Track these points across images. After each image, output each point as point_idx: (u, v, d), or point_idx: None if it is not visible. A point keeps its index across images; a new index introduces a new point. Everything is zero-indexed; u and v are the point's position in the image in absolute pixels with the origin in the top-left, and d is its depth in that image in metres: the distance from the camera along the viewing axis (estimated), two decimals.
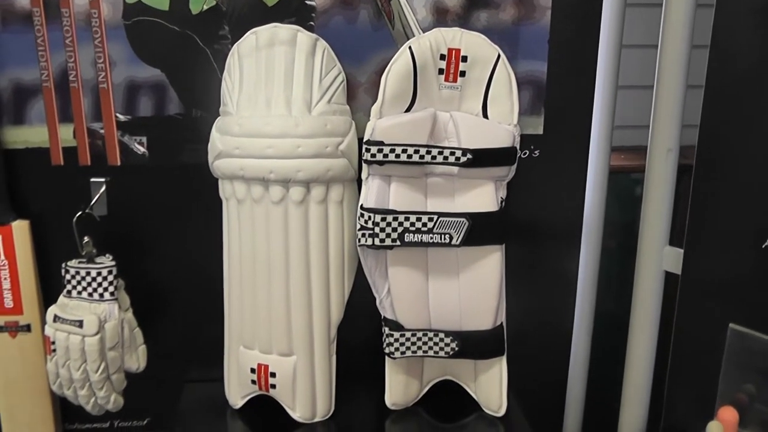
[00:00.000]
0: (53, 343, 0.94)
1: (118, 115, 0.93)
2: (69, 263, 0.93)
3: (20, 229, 0.96)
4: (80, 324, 0.93)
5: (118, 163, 0.95)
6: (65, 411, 1.05)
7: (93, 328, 0.93)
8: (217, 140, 0.88)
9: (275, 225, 0.90)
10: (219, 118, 0.90)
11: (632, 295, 1.01)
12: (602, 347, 1.10)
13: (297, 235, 0.91)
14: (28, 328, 1.00)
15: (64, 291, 0.95)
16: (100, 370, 0.95)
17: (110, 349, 0.95)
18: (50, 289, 0.99)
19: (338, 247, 0.93)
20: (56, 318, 0.94)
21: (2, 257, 0.96)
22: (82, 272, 0.95)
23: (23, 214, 0.95)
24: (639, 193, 1.03)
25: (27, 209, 0.95)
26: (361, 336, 0.96)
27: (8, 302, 0.98)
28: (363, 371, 0.97)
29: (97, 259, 0.95)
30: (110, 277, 0.95)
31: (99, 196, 0.95)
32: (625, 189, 1.09)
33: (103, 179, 0.95)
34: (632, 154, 1.21)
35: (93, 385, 0.95)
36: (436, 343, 0.93)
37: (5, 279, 0.98)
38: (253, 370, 0.96)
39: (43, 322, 0.96)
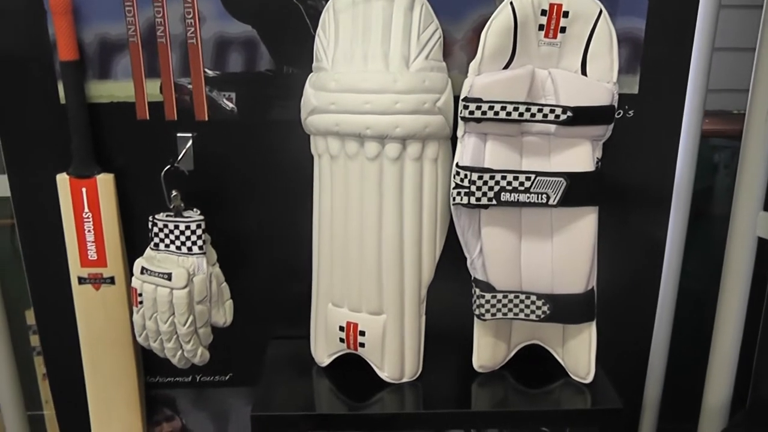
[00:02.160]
0: (140, 295, 0.95)
1: (206, 70, 0.93)
2: (157, 216, 0.94)
3: (105, 182, 0.97)
4: (169, 277, 0.93)
5: (206, 119, 0.95)
6: (147, 364, 1.07)
7: (182, 281, 0.94)
8: (311, 96, 0.87)
9: (369, 182, 0.89)
10: (312, 74, 0.90)
11: (723, 261, 1.00)
12: (685, 318, 1.09)
13: (391, 192, 0.90)
14: (111, 280, 1.01)
15: (151, 244, 0.96)
16: (188, 323, 0.95)
17: (198, 302, 0.95)
18: (133, 243, 1.00)
19: (431, 206, 0.92)
20: (144, 270, 0.94)
21: (86, 210, 0.97)
22: (170, 225, 0.95)
23: (108, 167, 0.96)
24: (716, 160, 1.02)
25: (111, 163, 0.96)
26: (450, 297, 0.96)
27: (92, 254, 0.99)
28: (450, 332, 0.97)
29: (185, 213, 0.95)
30: (198, 231, 0.95)
31: (186, 151, 0.95)
32: (701, 155, 1.03)
33: (189, 134, 0.95)
34: (713, 119, 1.18)
35: (180, 338, 0.96)
36: (527, 306, 0.93)
37: (89, 231, 0.99)
38: (341, 328, 0.96)
39: (127, 275, 0.99)
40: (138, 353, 1.05)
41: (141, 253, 0.95)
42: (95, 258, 1.00)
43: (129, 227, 1.00)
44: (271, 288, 1.04)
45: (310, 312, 1.00)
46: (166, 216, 0.94)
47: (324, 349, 1.00)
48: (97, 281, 1.00)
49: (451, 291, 0.95)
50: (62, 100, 0.92)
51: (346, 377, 0.97)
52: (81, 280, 1.00)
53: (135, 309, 0.95)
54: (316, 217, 0.94)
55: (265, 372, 0.99)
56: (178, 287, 0.93)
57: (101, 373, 1.03)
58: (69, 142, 0.93)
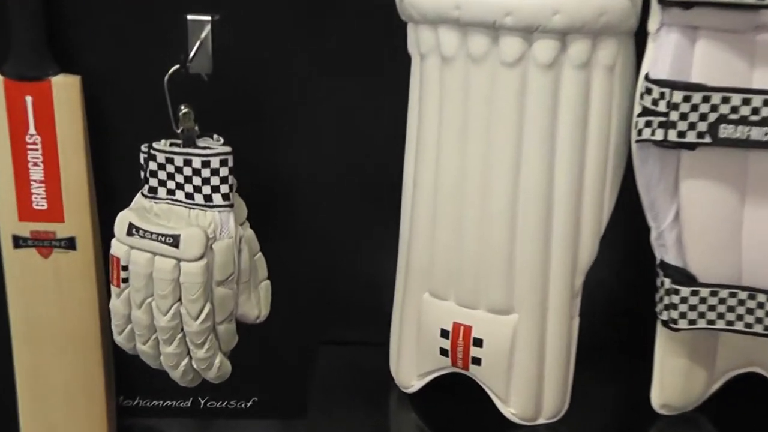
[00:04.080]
0: (125, 268, 0.95)
1: None
2: (156, 145, 0.95)
3: (65, 88, 0.99)
4: (174, 241, 0.93)
5: None
6: (123, 379, 1.10)
7: (196, 249, 0.94)
8: None
9: (504, 100, 0.89)
10: None
11: None
12: None
13: (538, 117, 0.90)
14: (70, 243, 1.04)
15: (145, 188, 0.97)
16: (202, 316, 0.95)
17: (219, 283, 0.96)
18: (111, 187, 1.03)
19: (601, 142, 0.92)
20: (133, 229, 0.95)
21: (32, 131, 0.99)
22: (178, 161, 0.95)
23: (71, 66, 0.98)
24: None
25: (77, 60, 0.99)
26: (606, 290, 0.99)
27: (39, 202, 1.02)
28: (606, 345, 1.01)
29: (201, 142, 0.96)
30: (223, 171, 0.95)
31: (201, 44, 0.96)
32: None
33: (207, 17, 0.97)
34: None
35: (189, 338, 0.96)
36: (751, 310, 0.91)
37: (35, 165, 1.01)
38: (444, 333, 0.97)
39: (97, 237, 1.02)
40: (108, 361, 1.07)
41: (121, 205, 0.96)
42: (44, 207, 1.02)
43: (104, 162, 1.02)
44: (325, 266, 1.08)
45: (388, 305, 1.02)
46: (170, 145, 0.95)
47: (412, 366, 1.02)
48: (46, 243, 1.03)
49: (609, 279, 0.98)
50: None
51: (446, 412, 0.99)
52: (18, 242, 1.03)
53: (114, 290, 0.96)
54: (409, 156, 0.96)
55: (313, 398, 1.01)
56: (189, 258, 0.93)
57: (46, 390, 1.06)
58: (5, 25, 0.94)
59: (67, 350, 1.08)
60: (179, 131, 0.95)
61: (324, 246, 1.09)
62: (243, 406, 1.14)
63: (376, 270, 1.06)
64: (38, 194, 1.02)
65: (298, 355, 1.11)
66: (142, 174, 0.97)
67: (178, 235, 0.93)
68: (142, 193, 0.98)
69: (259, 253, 1.03)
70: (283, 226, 1.08)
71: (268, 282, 1.04)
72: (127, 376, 1.11)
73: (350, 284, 1.10)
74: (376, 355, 1.05)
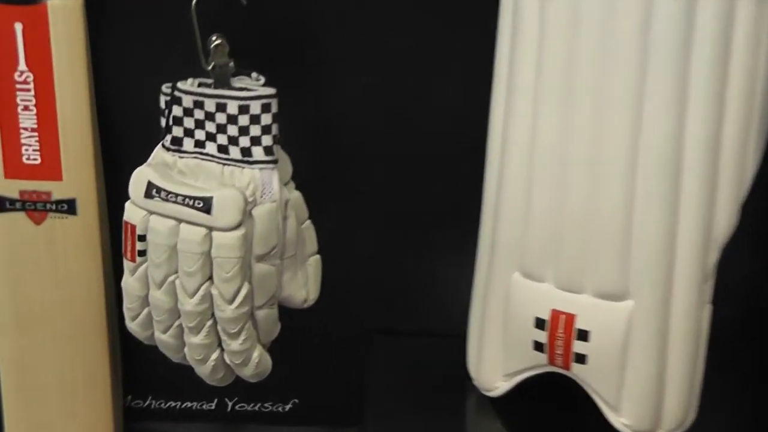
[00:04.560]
0: (142, 238, 0.92)
1: None
2: (181, 85, 0.91)
3: (63, 12, 0.95)
4: (205, 205, 0.90)
5: None
6: (131, 375, 1.10)
7: (232, 215, 0.90)
8: None
9: (623, 34, 0.86)
10: None
11: None
12: None
13: (667, 54, 0.86)
14: (70, 206, 1.02)
15: (167, 139, 0.94)
16: (239, 298, 0.91)
17: (260, 258, 0.92)
18: (122, 137, 1.03)
19: (746, 85, 0.87)
20: (153, 190, 0.91)
21: (23, 67, 0.97)
22: (209, 104, 0.91)
23: None
24: None
25: None
26: (742, 271, 0.97)
27: (30, 155, 1.00)
28: (742, 342, 0.99)
29: (236, 81, 0.92)
30: (265, 118, 0.91)
31: None
32: None
33: None
34: None
35: (222, 326, 0.93)
36: None
37: (26, 110, 0.99)
38: (540, 323, 0.94)
39: (103, 199, 1.01)
40: (115, 352, 1.06)
41: (134, 160, 0.93)
42: (36, 162, 1.00)
43: (112, 106, 1.00)
44: (385, 238, 1.07)
45: (464, 287, 1.01)
46: (200, 86, 0.91)
47: (497, 364, 0.99)
48: (39, 206, 1.01)
49: (736, 255, 0.93)
50: None
51: (539, 422, 0.97)
52: (5, 204, 1.00)
53: (127, 265, 0.93)
54: (496, 108, 0.94)
55: (368, 401, 1.01)
56: (223, 226, 0.90)
57: (36, 386, 1.05)
58: None
59: (64, 338, 1.06)
60: (210, 68, 0.92)
61: (383, 214, 1.07)
62: (281, 409, 1.11)
63: (448, 244, 1.05)
64: (29, 145, 1.00)
65: (349, 347, 1.10)
66: (164, 121, 0.93)
67: (210, 198, 0.90)
68: (164, 145, 0.94)
69: (308, 221, 1.00)
70: (335, 189, 1.06)
71: (318, 257, 1.01)
72: (137, 370, 1.09)
73: (415, 261, 1.09)
74: (447, 348, 1.04)
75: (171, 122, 0.94)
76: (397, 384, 1.05)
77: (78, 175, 1.01)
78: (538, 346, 0.96)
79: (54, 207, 1.02)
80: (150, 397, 1.12)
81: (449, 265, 1.06)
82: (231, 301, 0.92)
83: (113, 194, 1.00)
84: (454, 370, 1.03)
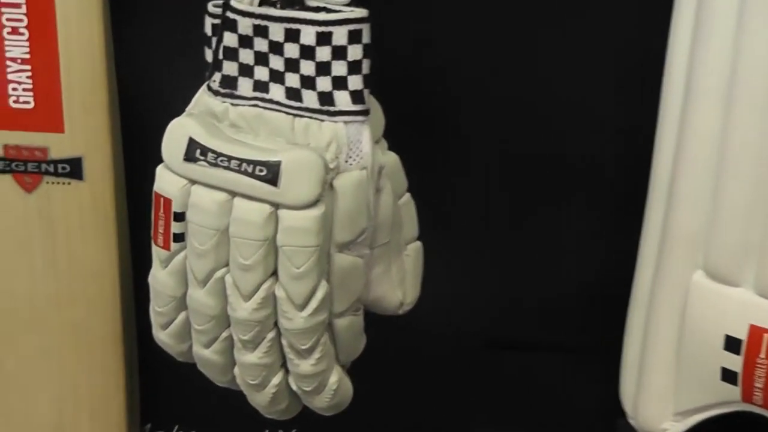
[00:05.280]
0: (178, 217, 0.90)
1: None
2: (235, 3, 0.88)
3: None
4: (269, 172, 0.86)
5: None
6: (152, 396, 1.11)
7: (307, 187, 0.86)
8: None
9: None
10: None
11: None
12: None
13: None
14: (73, 169, 1.01)
15: (215, 78, 0.91)
16: (314, 303, 0.88)
17: (342, 247, 0.89)
18: (147, 77, 1.03)
19: None
20: (196, 150, 0.88)
21: None
22: (275, 30, 0.88)
23: None
24: None
25: None
26: None
27: (20, 96, 0.98)
28: None
29: None
30: (354, 51, 0.87)
31: None
32: None
33: None
34: None
35: (289, 340, 0.90)
36: None
37: (14, 33, 0.97)
38: (732, 344, 0.90)
39: (120, 159, 1.02)
40: (131, 368, 1.06)
41: (166, 108, 0.91)
42: (29, 106, 0.98)
43: (133, 32, 1.01)
44: (503, 220, 1.08)
45: (608, 290, 1.03)
46: (262, 4, 0.89)
47: (666, 398, 0.97)
48: (32, 168, 1.00)
49: None
50: None
51: None
52: None
53: (158, 254, 0.91)
54: (675, 54, 0.93)
55: None
56: (295, 203, 0.86)
57: (25, 407, 1.06)
58: None
59: (63, 350, 1.05)
60: None
61: (500, 186, 1.07)
62: None
63: (583, 229, 1.07)
64: (19, 82, 0.98)
65: (453, 364, 1.11)
66: (210, 54, 0.90)
67: (277, 163, 0.86)
68: (210, 88, 0.90)
69: (407, 195, 0.96)
70: (440, 150, 1.05)
71: (419, 245, 0.98)
72: (160, 392, 1.10)
73: (541, 256, 1.09)
74: (583, 369, 1.07)
75: (221, 55, 0.90)
76: (513, 414, 1.09)
77: (86, 125, 1.00)
78: (729, 376, 0.92)
79: (52, 169, 1.01)
80: (177, 427, 1.12)
81: (591, 260, 1.08)
82: (302, 307, 0.89)
83: (135, 154, 1.01)
84: (597, 400, 1.05)
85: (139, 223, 0.97)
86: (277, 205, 0.87)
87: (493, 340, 1.13)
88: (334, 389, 0.95)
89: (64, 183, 1.01)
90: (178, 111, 0.92)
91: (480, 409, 1.11)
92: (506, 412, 1.11)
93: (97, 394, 1.08)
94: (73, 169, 1.01)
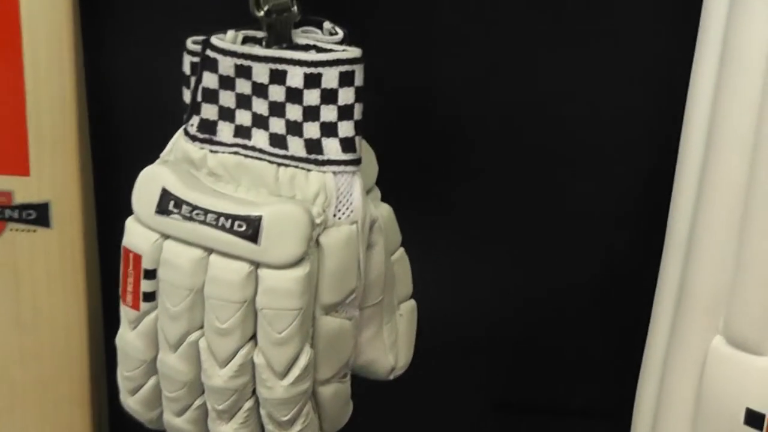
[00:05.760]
0: (149, 275, 0.87)
1: None
2: (216, 41, 0.86)
3: None
4: (249, 227, 0.84)
5: None
6: None
7: (291, 245, 0.84)
8: None
9: None
10: None
11: None
12: None
13: None
14: (39, 215, 0.99)
15: (192, 122, 0.88)
16: (296, 370, 0.87)
17: (329, 309, 0.87)
18: (121, 117, 1.03)
19: None
20: (170, 202, 0.86)
21: None
22: (260, 70, 0.85)
23: None
24: None
25: None
26: None
27: None
28: None
29: (300, 36, 0.87)
30: (345, 95, 0.85)
31: None
32: None
33: None
34: None
35: (267, 410, 0.89)
36: None
37: None
38: (754, 418, 0.89)
39: (91, 205, 1.01)
40: (99, 431, 1.06)
41: (139, 152, 0.90)
42: None
43: (107, 69, 1.01)
44: (507, 274, 1.08)
45: (623, 347, 1.04)
46: (246, 42, 0.88)
47: None
48: None
49: None
50: None
51: None
52: None
53: (127, 314, 0.89)
54: (694, 118, 0.92)
55: None
56: (277, 262, 0.84)
57: None
58: None
59: (29, 408, 1.04)
60: (261, 13, 0.86)
61: (505, 239, 1.07)
62: None
63: (596, 285, 1.07)
64: None
65: (457, 428, 1.10)
66: (188, 95, 0.88)
67: (258, 218, 0.83)
68: (187, 132, 0.87)
69: (401, 250, 0.94)
70: (437, 200, 1.05)
71: (412, 303, 0.96)
72: None
73: (546, 311, 1.09)
74: None
75: (200, 98, 0.87)
76: None
77: (53, 168, 0.98)
78: None
79: (16, 215, 1.00)
80: None
81: (602, 317, 1.08)
82: (283, 375, 0.87)
83: (107, 199, 1.00)
84: None
85: (111, 274, 0.94)
86: (257, 264, 0.84)
87: (501, 403, 1.12)
88: None
89: (29, 230, 0.99)
90: (155, 153, 0.90)
91: None
92: None
93: None
94: (40, 215, 0.99)
